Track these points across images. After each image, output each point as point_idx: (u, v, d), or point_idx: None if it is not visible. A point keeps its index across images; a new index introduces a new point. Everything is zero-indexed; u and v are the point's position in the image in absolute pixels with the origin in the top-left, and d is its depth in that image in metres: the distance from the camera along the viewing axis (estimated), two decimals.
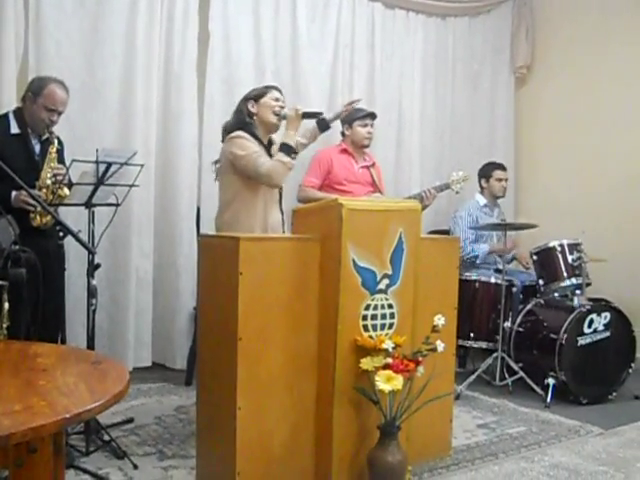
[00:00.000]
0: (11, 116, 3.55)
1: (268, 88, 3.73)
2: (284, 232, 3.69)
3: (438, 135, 5.86)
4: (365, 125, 4.62)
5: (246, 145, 3.50)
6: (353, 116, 4.56)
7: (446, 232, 5.29)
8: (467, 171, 4.98)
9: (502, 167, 5.36)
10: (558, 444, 3.65)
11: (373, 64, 5.46)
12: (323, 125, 3.99)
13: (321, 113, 3.82)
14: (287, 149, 3.49)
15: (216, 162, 3.73)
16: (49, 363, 2.04)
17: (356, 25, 5.36)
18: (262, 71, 4.88)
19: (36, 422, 1.47)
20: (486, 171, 5.34)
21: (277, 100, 3.66)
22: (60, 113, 3.56)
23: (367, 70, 5.44)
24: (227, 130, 3.66)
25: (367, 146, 4.68)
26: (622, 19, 5.49)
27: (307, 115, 3.64)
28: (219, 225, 3.64)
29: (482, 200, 5.32)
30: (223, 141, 3.66)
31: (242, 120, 3.63)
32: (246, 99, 3.68)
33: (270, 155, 3.57)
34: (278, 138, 3.67)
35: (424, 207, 4.23)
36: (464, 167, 5.16)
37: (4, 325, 2.71)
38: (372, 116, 4.66)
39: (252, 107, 3.65)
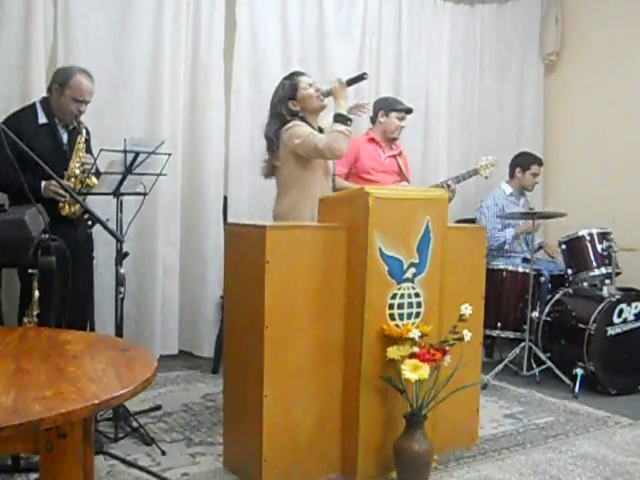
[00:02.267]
0: (38, 106, 3.57)
1: (294, 78, 3.67)
2: None
3: (466, 123, 5.81)
4: (401, 118, 4.60)
5: (300, 131, 3.51)
6: (393, 105, 4.55)
7: (472, 221, 5.25)
8: (497, 158, 4.92)
9: (540, 162, 5.30)
10: (586, 434, 3.63)
11: (400, 52, 5.42)
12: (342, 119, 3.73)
13: (365, 73, 3.70)
14: (342, 118, 3.50)
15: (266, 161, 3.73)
16: (78, 350, 2.07)
17: (383, 12, 5.32)
18: (289, 59, 4.87)
19: (66, 408, 1.49)
20: (525, 162, 5.25)
21: (310, 85, 3.64)
22: (87, 103, 3.59)
23: (394, 58, 5.40)
24: (270, 137, 3.63)
25: (396, 139, 4.65)
26: None
27: (352, 81, 3.62)
28: (275, 215, 3.67)
29: (508, 189, 5.26)
30: (268, 148, 3.66)
31: (286, 121, 3.59)
32: (282, 101, 3.62)
33: None
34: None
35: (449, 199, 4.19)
36: (492, 155, 5.10)
37: (34, 312, 2.75)
38: (409, 112, 4.64)
39: (294, 106, 3.61)
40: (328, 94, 3.61)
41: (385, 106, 4.58)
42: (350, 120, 3.54)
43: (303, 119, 3.60)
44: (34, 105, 3.59)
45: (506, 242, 5.04)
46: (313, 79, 3.71)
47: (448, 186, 4.63)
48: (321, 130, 3.69)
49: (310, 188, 3.56)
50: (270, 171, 3.70)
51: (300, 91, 3.62)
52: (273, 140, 3.61)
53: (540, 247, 5.31)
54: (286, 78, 3.71)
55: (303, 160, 3.56)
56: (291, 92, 3.62)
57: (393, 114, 4.57)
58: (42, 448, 1.59)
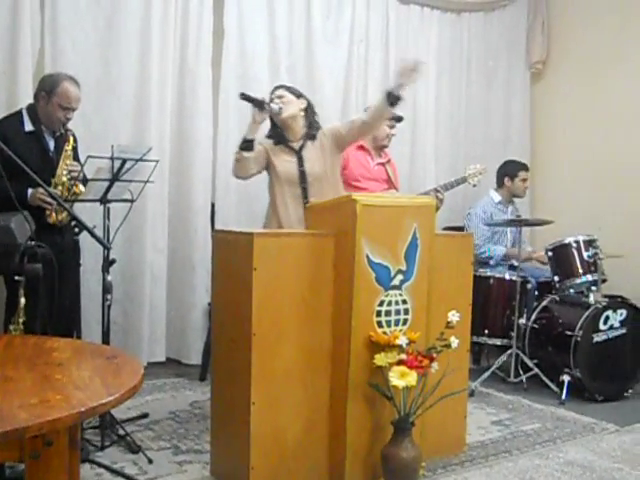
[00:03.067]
0: (24, 113, 3.55)
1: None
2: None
3: (453, 131, 5.83)
4: (392, 126, 4.59)
5: None
6: None
7: (461, 229, 5.26)
8: (485, 166, 4.95)
9: (527, 168, 5.33)
10: (573, 441, 3.64)
11: (387, 59, 5.43)
12: (392, 98, 3.61)
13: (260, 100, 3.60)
14: (241, 142, 3.64)
15: None
16: (65, 357, 2.06)
17: (371, 21, 5.34)
18: (277, 67, 4.88)
19: (52, 415, 1.48)
20: (512, 170, 5.28)
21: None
22: (75, 110, 3.57)
23: (381, 66, 5.42)
24: None
25: (386, 146, 4.65)
26: (639, 13, 5.44)
27: (247, 98, 3.58)
28: (263, 225, 3.80)
29: (497, 197, 5.29)
30: None
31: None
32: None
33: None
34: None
35: (437, 208, 4.20)
36: (479, 163, 5.13)
37: (20, 320, 2.74)
38: (399, 120, 4.64)
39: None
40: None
41: None
42: (247, 141, 3.62)
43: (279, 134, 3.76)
44: (20, 112, 3.57)
45: (493, 259, 5.05)
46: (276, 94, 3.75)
47: (437, 192, 4.64)
48: (312, 136, 3.74)
49: (276, 196, 3.70)
50: None
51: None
52: None
53: (529, 258, 5.33)
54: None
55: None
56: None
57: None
58: (27, 456, 1.59)
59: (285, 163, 3.68)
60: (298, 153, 3.69)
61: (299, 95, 3.76)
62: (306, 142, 3.72)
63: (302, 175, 3.68)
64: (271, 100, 3.67)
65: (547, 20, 6.04)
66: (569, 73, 5.90)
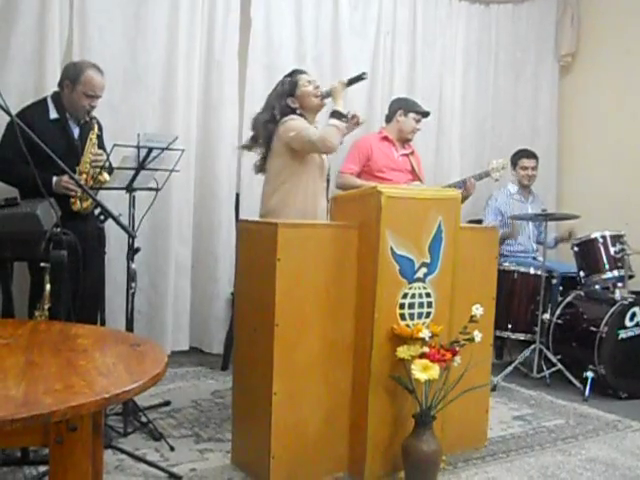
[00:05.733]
0: (49, 101, 3.58)
1: (295, 76, 3.66)
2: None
3: (479, 124, 5.79)
4: (418, 120, 4.59)
5: (295, 124, 3.50)
6: (412, 107, 4.56)
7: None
8: (508, 160, 4.92)
9: (529, 155, 5.28)
10: (596, 438, 3.61)
11: (414, 51, 5.40)
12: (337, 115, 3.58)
13: (364, 73, 3.66)
14: (338, 115, 3.49)
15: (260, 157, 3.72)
16: (89, 344, 2.07)
17: (398, 12, 5.31)
18: (303, 58, 4.86)
19: (76, 401, 1.49)
20: (514, 159, 5.29)
21: (309, 82, 3.63)
22: (99, 97, 3.59)
23: (408, 58, 5.39)
24: (258, 128, 3.63)
25: (410, 140, 4.65)
26: None
27: (352, 81, 3.61)
28: (264, 213, 3.62)
29: (513, 188, 5.28)
30: (252, 139, 3.70)
31: (274, 115, 3.59)
32: (279, 96, 3.60)
33: None
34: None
35: (465, 198, 4.18)
36: (505, 156, 5.11)
37: (46, 306, 2.76)
38: (426, 115, 4.63)
39: (293, 103, 3.59)
40: (328, 95, 3.60)
41: (404, 106, 4.57)
42: (345, 117, 3.52)
43: (302, 116, 3.59)
44: (45, 100, 3.60)
45: None
46: (314, 78, 3.70)
47: (464, 183, 4.62)
48: None
49: (303, 183, 3.56)
50: (263, 167, 3.70)
51: (300, 88, 3.61)
52: (260, 131, 3.62)
53: (557, 242, 5.29)
54: (287, 75, 3.70)
55: (299, 154, 3.54)
56: (290, 89, 3.61)
57: (412, 115, 4.57)
58: (52, 441, 1.60)
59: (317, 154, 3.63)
60: None
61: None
62: None
63: (327, 167, 3.71)
64: (315, 85, 3.63)
65: (577, 12, 5.96)
66: (598, 66, 5.83)
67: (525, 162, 5.25)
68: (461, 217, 3.25)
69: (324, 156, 3.65)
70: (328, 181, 3.73)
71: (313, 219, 3.52)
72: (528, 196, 5.30)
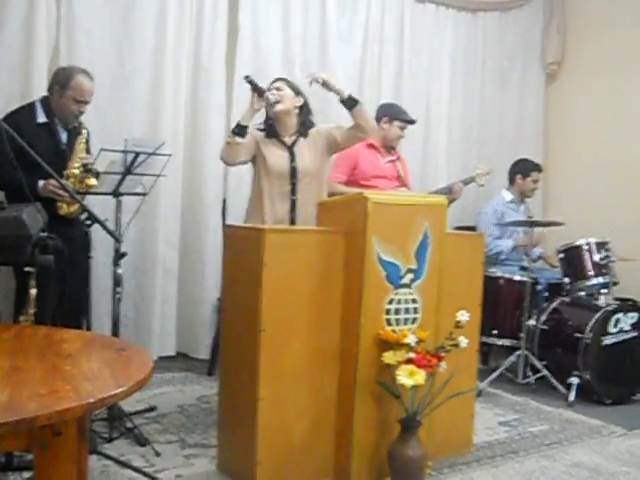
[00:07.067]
0: (38, 105, 3.57)
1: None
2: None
3: (466, 130, 5.82)
4: (403, 128, 4.61)
5: None
6: (398, 115, 4.55)
7: (472, 228, 5.25)
8: (495, 167, 4.96)
9: (540, 168, 5.32)
10: (580, 443, 3.63)
11: (401, 58, 5.43)
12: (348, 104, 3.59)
13: (248, 76, 3.62)
14: (234, 126, 3.60)
15: None
16: (74, 349, 2.07)
17: (385, 19, 5.34)
18: (291, 64, 4.87)
19: (61, 406, 1.49)
20: (525, 169, 5.27)
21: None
22: (88, 103, 3.58)
23: (395, 64, 5.41)
24: None
25: (394, 148, 4.67)
26: None
27: (252, 82, 3.57)
28: (245, 214, 3.74)
29: (508, 196, 5.28)
30: None
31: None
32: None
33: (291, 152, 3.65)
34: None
35: (452, 201, 4.23)
36: (492, 163, 5.14)
37: (31, 311, 2.75)
38: (412, 122, 4.65)
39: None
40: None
41: (390, 113, 4.57)
42: (239, 127, 3.57)
43: (271, 126, 3.70)
44: (33, 104, 3.58)
45: (503, 252, 5.05)
46: (276, 84, 3.70)
47: (450, 189, 4.65)
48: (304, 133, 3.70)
49: (266, 189, 3.62)
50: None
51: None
52: None
53: (540, 257, 5.32)
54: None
55: (259, 162, 3.67)
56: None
57: (397, 123, 4.57)
58: (36, 446, 1.60)
59: (277, 157, 3.62)
60: (290, 148, 3.64)
61: (298, 92, 3.69)
62: (298, 138, 3.67)
63: (293, 171, 3.62)
64: (268, 89, 3.63)
65: (563, 21, 6.02)
66: (584, 74, 5.87)
67: (536, 175, 5.26)
68: (447, 223, 3.26)
69: (297, 161, 3.63)
70: (294, 185, 3.67)
71: (275, 224, 3.51)
72: (520, 204, 5.32)
